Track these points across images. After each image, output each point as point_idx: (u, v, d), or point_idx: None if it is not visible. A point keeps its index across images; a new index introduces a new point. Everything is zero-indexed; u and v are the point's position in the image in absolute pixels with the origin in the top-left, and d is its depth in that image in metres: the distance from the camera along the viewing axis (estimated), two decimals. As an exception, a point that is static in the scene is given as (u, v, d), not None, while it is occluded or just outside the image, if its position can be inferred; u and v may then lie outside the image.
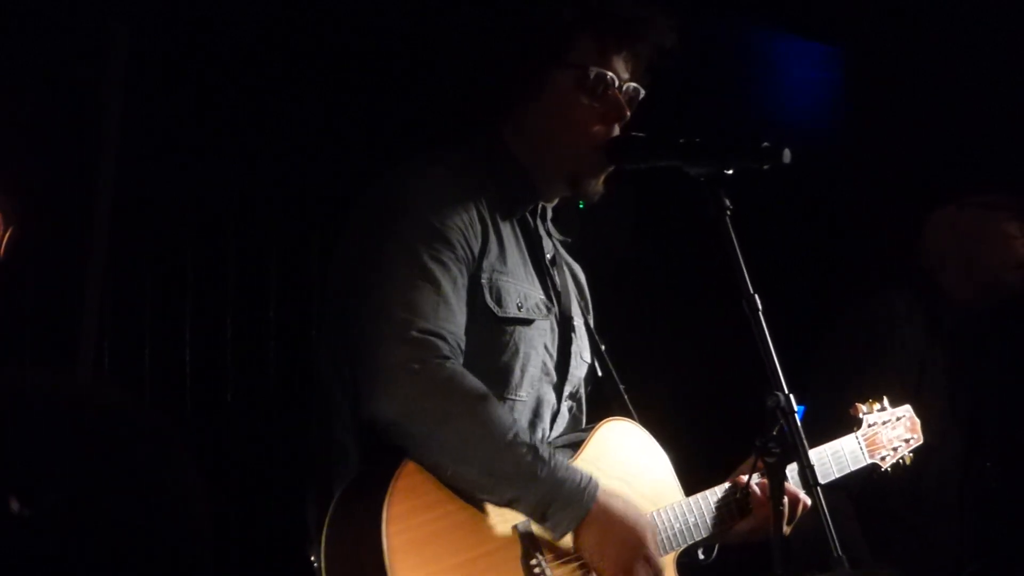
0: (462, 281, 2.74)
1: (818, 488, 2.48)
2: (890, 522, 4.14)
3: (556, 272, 3.04)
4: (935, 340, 4.28)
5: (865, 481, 3.44)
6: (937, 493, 4.20)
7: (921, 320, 4.29)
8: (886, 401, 3.49)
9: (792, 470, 2.61)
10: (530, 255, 2.96)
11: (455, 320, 2.70)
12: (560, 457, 2.71)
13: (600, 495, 2.70)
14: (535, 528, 2.68)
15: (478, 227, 2.80)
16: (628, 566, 2.71)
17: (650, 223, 5.15)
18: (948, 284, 4.33)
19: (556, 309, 2.98)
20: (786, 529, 2.60)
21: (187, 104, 4.18)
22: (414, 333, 2.61)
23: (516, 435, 2.64)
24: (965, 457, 4.31)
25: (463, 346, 2.71)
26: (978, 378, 4.40)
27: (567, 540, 2.72)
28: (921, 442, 3.52)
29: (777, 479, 2.52)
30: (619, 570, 2.72)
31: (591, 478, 2.71)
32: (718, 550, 3.07)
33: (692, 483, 3.04)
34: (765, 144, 2.66)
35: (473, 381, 2.64)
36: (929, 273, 4.35)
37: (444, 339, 2.65)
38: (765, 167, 2.67)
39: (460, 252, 2.75)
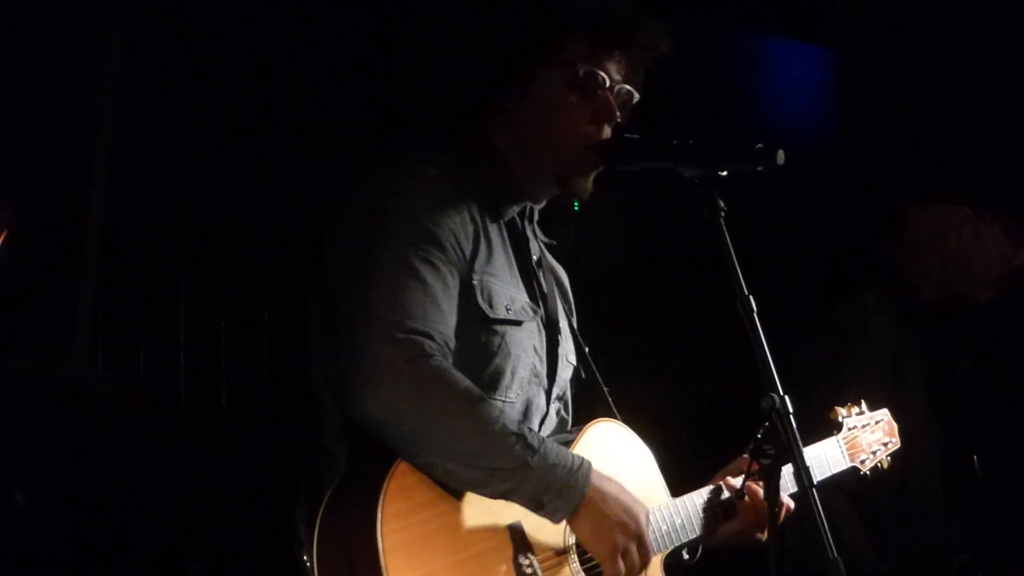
0: (453, 283, 2.74)
1: (813, 490, 2.49)
2: (878, 516, 4.14)
3: (542, 274, 3.04)
4: (908, 334, 4.30)
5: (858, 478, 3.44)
6: (923, 484, 4.21)
7: (894, 316, 4.31)
8: (864, 405, 3.50)
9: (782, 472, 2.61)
10: (516, 257, 2.96)
11: (444, 321, 2.69)
12: (550, 442, 2.71)
13: (594, 478, 2.70)
14: (526, 528, 2.69)
15: (470, 228, 2.80)
16: (623, 548, 2.72)
17: (643, 225, 5.15)
18: (922, 281, 4.35)
19: (542, 312, 2.98)
20: (768, 533, 2.59)
21: (180, 107, 4.17)
22: (401, 333, 2.61)
23: (504, 426, 2.64)
24: (946, 450, 4.32)
25: (451, 346, 2.70)
26: (953, 374, 4.41)
27: (557, 538, 2.73)
28: (899, 446, 3.53)
29: (772, 481, 2.52)
30: (614, 552, 2.72)
31: (583, 461, 2.71)
32: (704, 551, 3.08)
33: (679, 484, 3.05)
34: (759, 146, 2.66)
35: (459, 377, 2.64)
36: (903, 270, 4.37)
37: (431, 338, 2.64)
38: (759, 169, 2.67)
39: (452, 254, 2.74)
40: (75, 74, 3.95)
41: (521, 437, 2.65)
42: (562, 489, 2.66)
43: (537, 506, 2.66)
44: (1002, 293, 4.38)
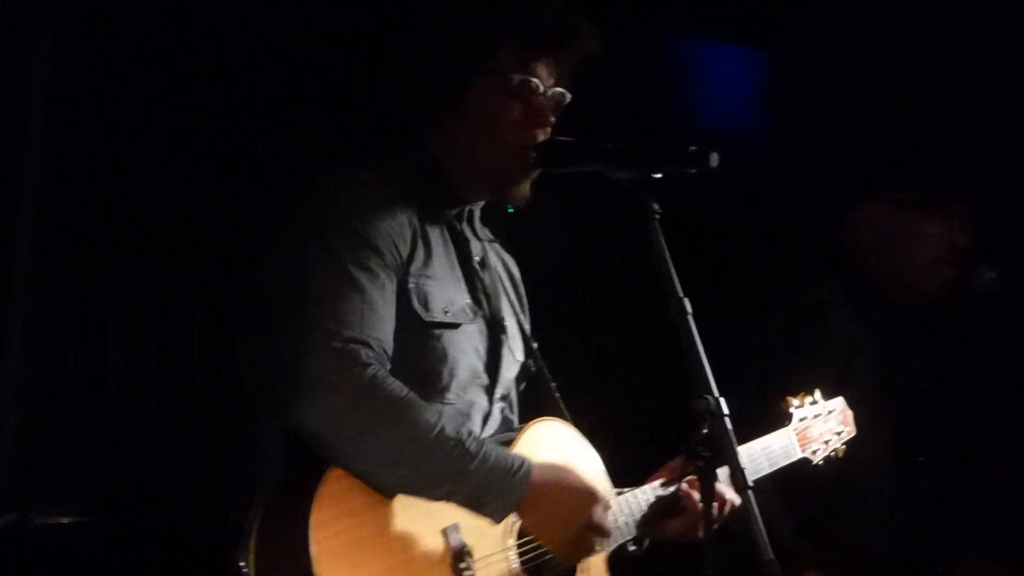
0: (391, 287, 2.74)
1: (749, 491, 2.49)
2: (815, 507, 4.14)
3: (485, 274, 3.05)
4: (863, 330, 4.30)
5: (789, 467, 3.44)
6: (863, 481, 4.21)
7: (848, 311, 4.31)
8: (818, 394, 3.51)
9: (724, 469, 2.61)
10: (458, 258, 2.97)
11: (382, 327, 2.70)
12: (491, 445, 2.72)
13: (535, 476, 2.72)
14: (463, 529, 2.69)
15: (407, 232, 2.81)
16: (573, 539, 2.75)
17: (579, 227, 5.16)
18: (873, 276, 4.36)
19: (485, 312, 2.99)
20: (704, 533, 2.60)
21: (112, 112, 4.14)
22: (337, 343, 2.61)
23: (441, 431, 2.65)
24: (895, 450, 4.33)
25: (390, 352, 2.71)
26: (908, 372, 4.43)
27: (495, 538, 2.74)
28: (854, 434, 3.54)
29: (707, 482, 2.53)
30: (565, 545, 2.75)
31: (523, 461, 2.73)
32: (650, 544, 3.09)
33: (623, 482, 3.05)
34: (692, 148, 2.67)
35: (394, 385, 2.64)
36: (854, 267, 4.38)
37: (368, 346, 2.65)
38: (692, 171, 2.67)
39: (388, 258, 2.75)
40: (5, 80, 3.90)
41: (459, 443, 2.66)
42: (500, 491, 2.68)
43: (477, 506, 2.68)
44: (955, 284, 4.36)
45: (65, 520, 3.84)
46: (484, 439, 2.75)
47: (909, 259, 4.33)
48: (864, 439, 3.68)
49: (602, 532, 2.80)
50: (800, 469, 3.46)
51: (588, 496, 2.79)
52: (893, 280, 4.34)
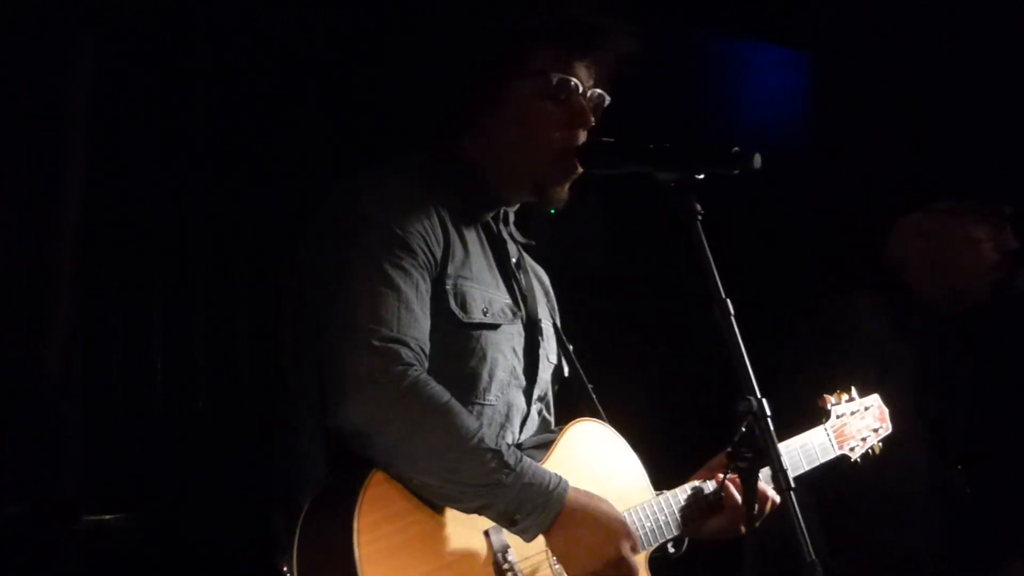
0: (425, 287, 2.74)
1: (791, 492, 2.49)
2: (851, 516, 4.14)
3: (522, 275, 3.05)
4: (901, 339, 4.29)
5: (826, 474, 3.43)
6: (899, 489, 4.20)
7: (887, 320, 4.30)
8: (854, 391, 3.50)
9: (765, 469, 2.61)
10: (495, 260, 2.97)
11: (418, 327, 2.69)
12: (528, 461, 2.70)
13: (569, 498, 2.69)
14: (505, 532, 2.68)
15: (439, 232, 2.80)
16: (596, 571, 2.71)
17: (621, 228, 5.16)
18: (916, 284, 4.35)
19: (523, 313, 2.99)
20: (747, 534, 2.60)
21: (155, 112, 4.17)
22: (377, 342, 2.61)
23: (481, 441, 2.63)
24: (932, 459, 4.32)
25: (427, 352, 2.70)
26: (946, 381, 4.41)
27: (539, 541, 2.71)
28: (890, 431, 3.53)
29: (749, 483, 2.53)
30: (588, 572, 2.72)
31: (560, 480, 2.70)
32: (689, 544, 3.08)
33: (662, 481, 3.05)
34: (736, 149, 2.66)
35: (436, 389, 2.64)
36: (896, 275, 4.36)
37: (408, 346, 2.65)
38: (735, 172, 2.67)
39: (422, 258, 2.75)
40: (48, 80, 3.93)
41: (498, 454, 2.64)
42: (535, 508, 2.65)
43: (509, 523, 2.66)
44: (1002, 285, 4.35)
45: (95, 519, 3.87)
46: (522, 455, 2.71)
47: (963, 267, 4.32)
48: (901, 444, 3.67)
49: (627, 569, 2.74)
50: (837, 477, 3.46)
51: (618, 529, 2.74)
52: (943, 288, 4.33)
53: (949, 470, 4.37)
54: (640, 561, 2.91)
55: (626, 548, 2.74)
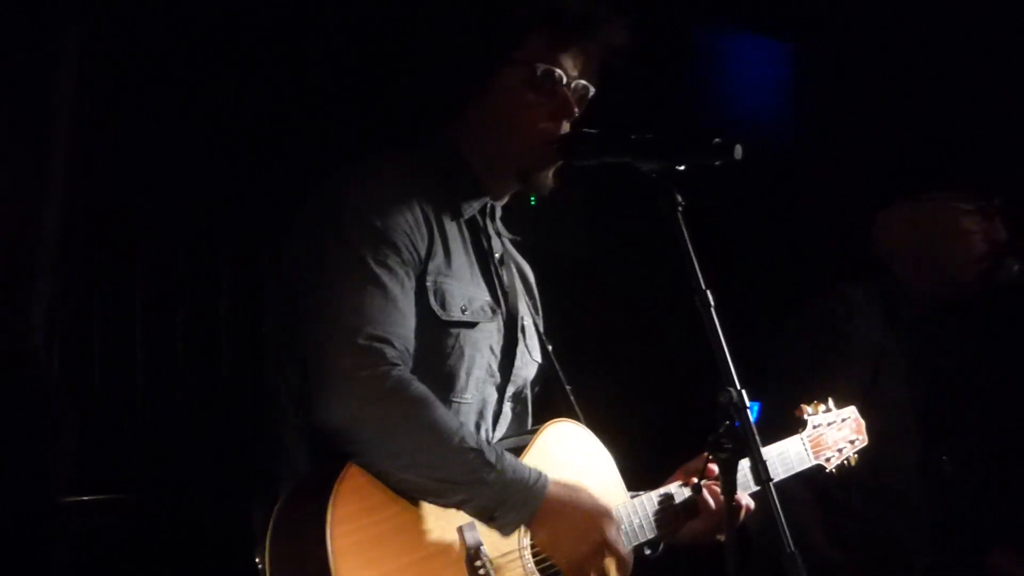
0: (409, 284, 2.74)
1: (770, 484, 2.49)
2: (848, 512, 4.14)
3: (504, 272, 3.04)
4: (893, 330, 4.28)
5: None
6: (895, 484, 4.21)
7: (878, 311, 4.28)
8: (831, 402, 3.50)
9: (742, 470, 2.61)
10: (477, 256, 2.96)
11: (404, 324, 2.70)
12: (509, 457, 2.71)
13: (549, 492, 2.71)
14: (479, 528, 2.69)
15: (424, 229, 2.80)
16: (583, 558, 2.72)
17: (602, 220, 5.15)
18: (907, 275, 4.34)
19: (503, 310, 2.98)
20: (726, 527, 2.60)
21: (138, 101, 4.15)
22: (361, 340, 2.61)
23: (462, 439, 2.65)
24: (922, 450, 4.32)
25: (411, 350, 2.71)
26: (936, 371, 4.41)
27: (511, 537, 2.72)
28: (866, 443, 3.54)
29: (729, 475, 2.53)
30: (574, 564, 2.73)
31: (540, 475, 2.72)
32: (665, 547, 3.07)
33: (639, 484, 3.04)
34: (716, 140, 2.65)
35: (419, 387, 2.64)
36: (887, 266, 4.36)
37: (392, 344, 2.64)
38: (717, 163, 2.66)
39: (406, 255, 2.74)
40: (32, 71, 3.91)
41: (479, 452, 2.66)
42: (515, 505, 2.67)
43: (488, 518, 2.68)
44: (991, 276, 4.34)
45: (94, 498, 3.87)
46: (503, 451, 2.72)
47: (952, 257, 4.29)
48: (894, 443, 3.67)
49: (614, 552, 2.76)
50: (833, 480, 3.47)
51: (601, 515, 2.76)
52: (931, 279, 4.31)
53: (935, 461, 4.37)
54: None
55: (611, 531, 2.77)
